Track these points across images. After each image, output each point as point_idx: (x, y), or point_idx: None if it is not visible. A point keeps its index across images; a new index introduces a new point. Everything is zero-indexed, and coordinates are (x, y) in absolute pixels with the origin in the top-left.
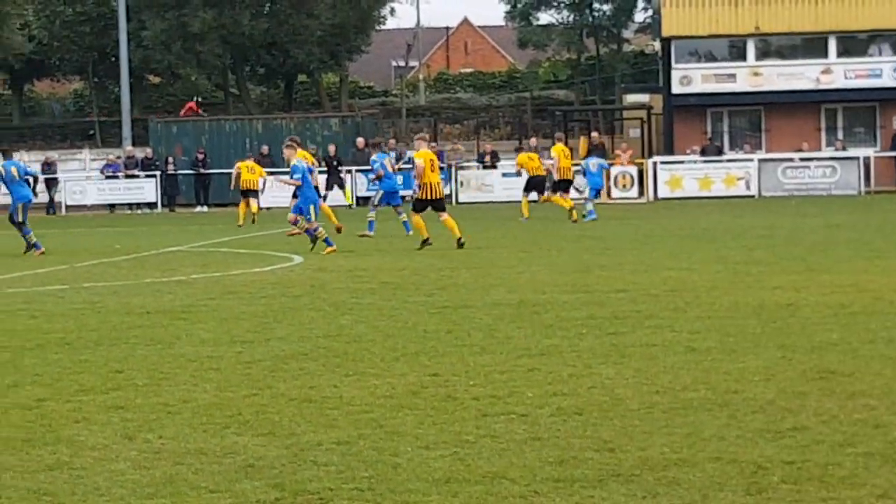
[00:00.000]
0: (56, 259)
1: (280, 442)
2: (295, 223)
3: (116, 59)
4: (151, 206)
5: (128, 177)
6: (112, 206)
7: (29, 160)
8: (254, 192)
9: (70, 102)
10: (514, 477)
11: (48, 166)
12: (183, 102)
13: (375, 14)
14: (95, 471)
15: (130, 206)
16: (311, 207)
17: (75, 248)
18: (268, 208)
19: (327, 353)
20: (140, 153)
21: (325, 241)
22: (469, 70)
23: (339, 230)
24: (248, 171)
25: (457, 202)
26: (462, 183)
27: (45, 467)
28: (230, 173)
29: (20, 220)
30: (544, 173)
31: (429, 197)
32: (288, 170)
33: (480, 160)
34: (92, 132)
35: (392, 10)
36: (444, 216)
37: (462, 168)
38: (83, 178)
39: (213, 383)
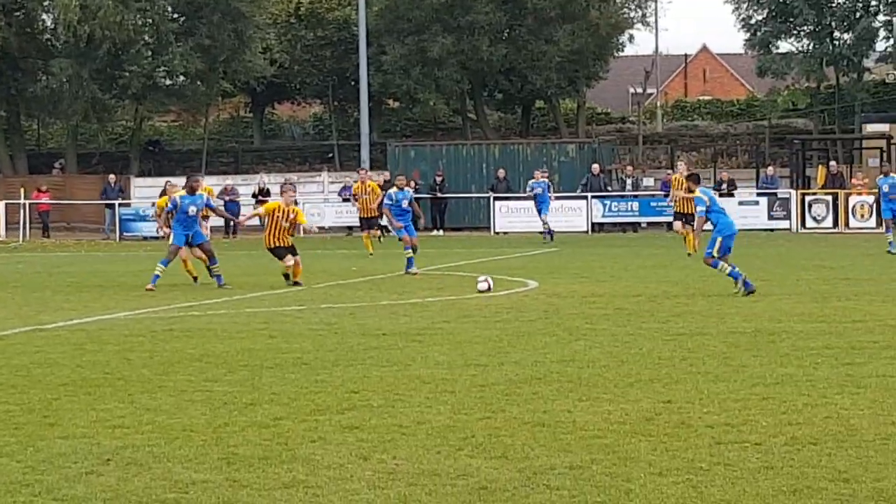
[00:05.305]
0: None
1: (513, 465)
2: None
3: (356, 84)
4: (384, 229)
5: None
6: (349, 229)
7: (269, 182)
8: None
9: (310, 125)
10: None
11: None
12: (421, 127)
13: (614, 41)
14: (331, 489)
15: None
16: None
17: (314, 270)
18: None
19: (561, 378)
20: (378, 177)
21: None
22: (707, 98)
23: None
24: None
25: None
26: None
27: (281, 485)
28: (467, 197)
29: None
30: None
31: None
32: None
33: (717, 188)
34: (331, 155)
35: (631, 38)
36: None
37: None
38: (321, 201)
39: (448, 405)
